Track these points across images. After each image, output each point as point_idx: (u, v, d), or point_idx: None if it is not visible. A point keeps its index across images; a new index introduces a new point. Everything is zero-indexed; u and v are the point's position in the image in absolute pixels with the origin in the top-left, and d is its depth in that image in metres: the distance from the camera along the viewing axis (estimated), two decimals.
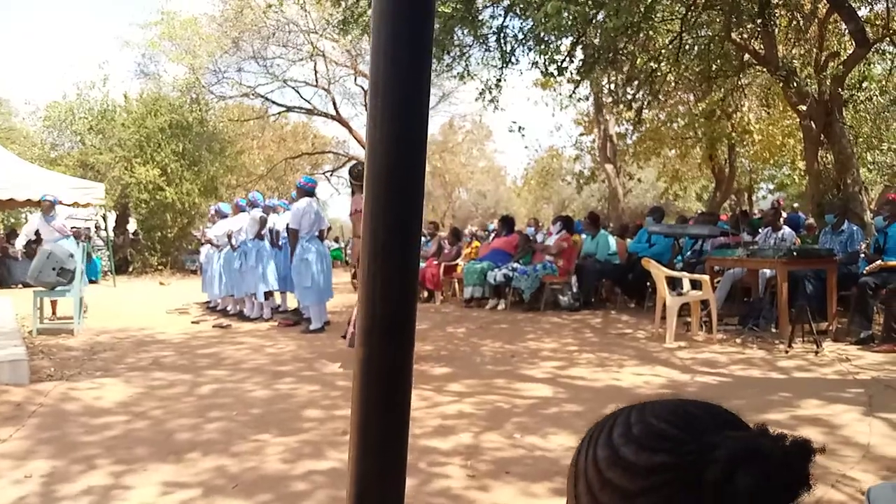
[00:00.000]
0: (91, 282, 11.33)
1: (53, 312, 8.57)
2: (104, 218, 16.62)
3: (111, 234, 17.18)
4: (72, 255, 7.47)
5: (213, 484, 3.00)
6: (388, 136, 0.60)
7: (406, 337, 0.62)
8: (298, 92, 20.29)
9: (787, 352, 5.84)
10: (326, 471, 3.17)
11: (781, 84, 9.26)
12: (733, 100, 13.78)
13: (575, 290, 9.12)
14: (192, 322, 8.52)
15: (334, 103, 20.26)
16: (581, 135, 20.31)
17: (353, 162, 6.56)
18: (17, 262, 14.84)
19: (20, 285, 13.68)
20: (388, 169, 0.60)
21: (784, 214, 11.89)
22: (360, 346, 0.62)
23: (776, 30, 9.70)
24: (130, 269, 17.57)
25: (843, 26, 9.75)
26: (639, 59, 10.97)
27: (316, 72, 19.33)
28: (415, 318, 0.63)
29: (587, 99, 15.28)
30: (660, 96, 12.58)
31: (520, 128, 11.18)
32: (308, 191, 7.71)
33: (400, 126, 0.61)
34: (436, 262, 10.79)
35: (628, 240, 10.18)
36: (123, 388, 4.84)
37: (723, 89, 12.57)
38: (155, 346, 6.75)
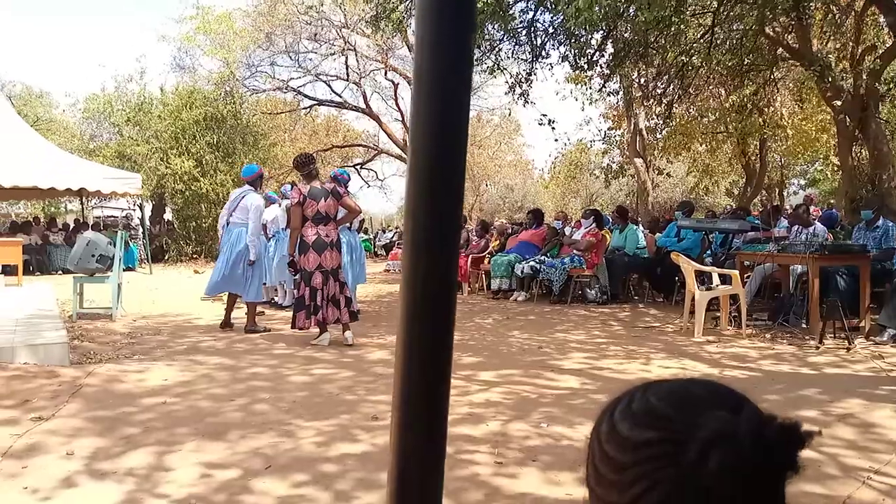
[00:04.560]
0: (128, 269, 11.61)
1: None
2: (141, 207, 17.01)
3: (148, 223, 17.56)
4: (111, 243, 7.69)
5: (249, 465, 3.11)
6: (431, 127, 0.61)
7: (446, 322, 0.64)
8: (330, 86, 20.51)
9: (817, 348, 5.81)
10: (358, 454, 3.26)
11: (816, 78, 9.14)
12: (765, 94, 13.61)
13: (602, 283, 9.14)
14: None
15: (365, 97, 20.42)
16: (610, 129, 20.18)
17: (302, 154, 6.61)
18: (58, 248, 15.28)
19: (60, 272, 14.09)
20: (430, 159, 0.61)
21: (814, 210, 11.73)
22: (402, 331, 0.64)
23: (811, 23, 9.56)
24: (166, 258, 17.97)
25: (882, 19, 9.58)
26: (669, 54, 10.89)
27: (347, 66, 19.48)
28: (454, 304, 0.65)
29: (617, 93, 15.18)
30: (690, 91, 12.49)
31: (550, 121, 11.13)
32: (342, 183, 7.82)
33: (442, 115, 0.61)
34: (463, 254, 10.88)
35: (657, 234, 10.15)
36: (163, 372, 5.00)
37: (755, 84, 12.42)
38: (192, 332, 6.93)
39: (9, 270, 11.44)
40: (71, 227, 17.25)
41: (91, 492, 2.82)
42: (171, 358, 5.55)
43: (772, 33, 9.76)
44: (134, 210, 17.64)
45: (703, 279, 7.01)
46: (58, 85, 63.36)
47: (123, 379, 4.77)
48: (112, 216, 19.64)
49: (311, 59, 19.48)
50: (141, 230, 16.75)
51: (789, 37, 9.96)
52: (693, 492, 0.57)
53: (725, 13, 9.57)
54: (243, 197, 6.98)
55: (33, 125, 18.31)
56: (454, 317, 0.66)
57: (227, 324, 7.01)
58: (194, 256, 17.72)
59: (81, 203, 18.05)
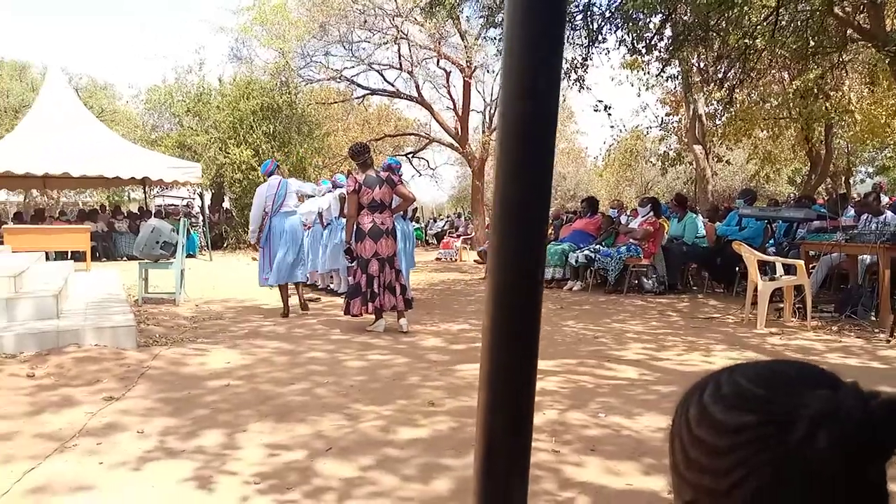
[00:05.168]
0: (189, 256, 11.95)
1: None
2: (201, 196, 17.47)
3: (207, 211, 18.03)
4: (174, 230, 7.92)
5: (312, 447, 3.18)
6: (519, 109, 0.61)
7: (532, 303, 0.64)
8: (382, 75, 20.54)
9: (888, 341, 5.59)
10: (418, 439, 3.29)
11: (889, 60, 8.72)
12: (833, 77, 13.08)
13: (660, 273, 8.97)
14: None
15: (417, 86, 20.37)
16: (667, 115, 19.74)
17: (357, 143, 6.65)
18: (122, 235, 15.84)
19: (125, 258, 14.61)
20: (518, 139, 0.61)
21: (892, 199, 11.25)
22: (489, 311, 0.64)
23: (885, 1, 9.13)
24: (225, 245, 18.45)
25: None
26: (731, 37, 10.55)
27: (400, 55, 19.47)
28: (542, 285, 0.65)
29: (675, 78, 14.81)
30: (752, 75, 12.08)
31: (606, 107, 10.95)
32: (395, 171, 7.88)
33: (532, 97, 0.60)
34: None
35: (717, 223, 9.90)
36: (225, 355, 5.13)
37: (821, 67, 11.93)
38: (252, 317, 7.10)
39: (78, 256, 11.90)
40: (135, 215, 17.84)
41: (164, 469, 2.92)
42: (233, 342, 5.70)
43: (841, 13, 9.33)
44: (194, 198, 18.15)
45: (766, 269, 6.81)
46: (121, 77, 65.49)
47: (188, 361, 4.93)
48: (172, 204, 20.23)
49: (364, 49, 19.56)
50: (201, 218, 17.21)
51: (860, 16, 9.52)
52: (796, 474, 0.55)
53: None
54: (286, 185, 7.22)
55: (98, 116, 18.95)
56: (541, 297, 0.65)
57: (288, 313, 7.17)
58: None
59: (144, 192, 18.64)
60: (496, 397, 0.66)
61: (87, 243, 11.87)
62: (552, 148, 0.63)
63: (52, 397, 3.96)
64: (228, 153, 17.70)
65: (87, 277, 9.25)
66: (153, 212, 17.91)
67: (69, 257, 11.82)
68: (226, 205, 21.35)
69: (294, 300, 7.43)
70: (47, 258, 10.64)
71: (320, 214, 9.14)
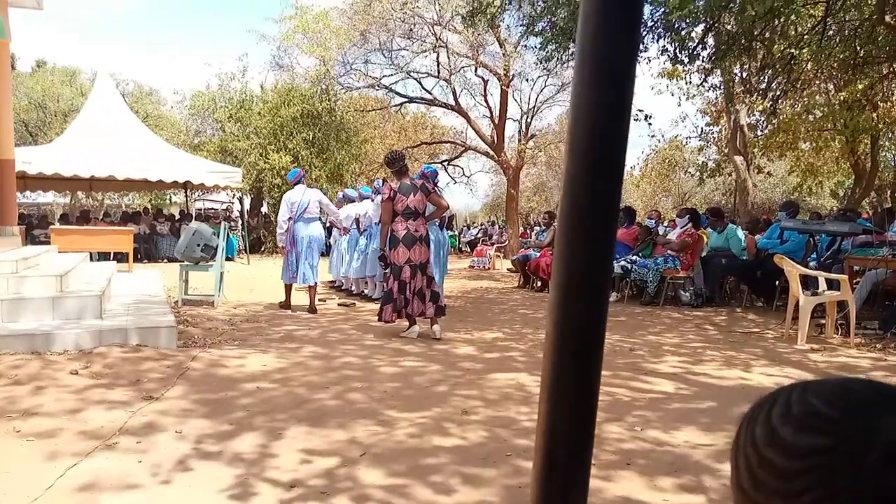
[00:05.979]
0: (227, 259, 12.16)
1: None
2: (240, 201, 17.76)
3: (246, 215, 18.33)
4: (215, 233, 8.07)
5: (347, 453, 3.18)
6: (593, 104, 0.61)
7: (599, 299, 0.65)
8: (420, 83, 20.68)
9: None
10: (451, 448, 3.27)
11: None
12: (882, 88, 12.75)
13: (697, 285, 8.83)
14: (319, 300, 8.96)
15: (454, 94, 20.45)
16: (708, 125, 19.45)
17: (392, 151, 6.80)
18: (164, 238, 16.17)
19: (165, 259, 14.91)
20: (591, 135, 0.61)
21: None
22: (554, 308, 0.64)
23: None
24: (262, 249, 18.73)
25: None
26: (776, 46, 10.37)
27: (438, 63, 19.58)
28: (609, 282, 0.66)
29: (717, 88, 14.62)
30: (797, 85, 11.85)
31: (646, 116, 10.87)
32: (431, 179, 7.92)
33: (605, 93, 0.60)
34: (551, 252, 10.74)
35: (757, 235, 9.72)
36: (261, 358, 5.19)
37: (869, 77, 11.64)
38: (288, 321, 7.18)
39: (120, 258, 12.19)
40: (176, 218, 18.22)
41: (201, 470, 2.95)
42: (268, 345, 5.76)
43: (893, 22, 9.08)
44: (233, 203, 18.47)
45: (808, 284, 6.65)
46: (166, 83, 67.10)
47: (225, 363, 4.99)
48: (212, 208, 20.63)
49: (403, 57, 19.72)
50: (240, 222, 17.50)
51: None
52: (870, 501, 0.53)
53: (841, 1, 9.00)
54: (309, 195, 7.89)
55: (143, 121, 19.42)
56: (608, 293, 0.67)
57: (289, 307, 7.93)
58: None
59: (186, 195, 19.02)
60: (559, 400, 0.66)
61: (130, 245, 12.13)
62: (624, 149, 0.62)
63: (95, 395, 4.04)
64: (268, 159, 18.00)
65: (130, 278, 9.46)
66: (194, 215, 18.27)
67: (112, 258, 12.11)
68: (264, 210, 21.68)
69: (305, 301, 7.99)
70: (91, 259, 10.91)
71: (357, 220, 9.22)
